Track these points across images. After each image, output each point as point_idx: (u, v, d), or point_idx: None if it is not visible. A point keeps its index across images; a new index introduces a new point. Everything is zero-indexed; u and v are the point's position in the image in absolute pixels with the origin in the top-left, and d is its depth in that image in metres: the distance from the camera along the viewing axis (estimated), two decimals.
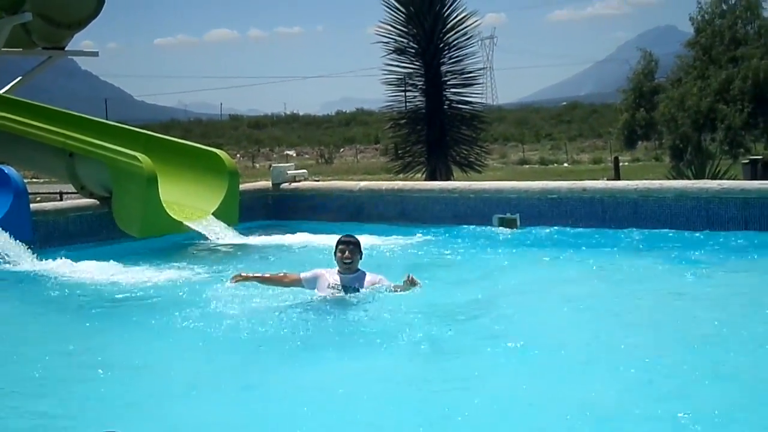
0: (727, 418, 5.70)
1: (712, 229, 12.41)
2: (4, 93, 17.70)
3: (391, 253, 12.12)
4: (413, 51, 24.71)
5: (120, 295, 9.97)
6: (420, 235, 13.46)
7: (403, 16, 24.45)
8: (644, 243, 12.14)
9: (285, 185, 16.53)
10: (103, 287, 10.40)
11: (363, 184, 16.21)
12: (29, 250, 12.38)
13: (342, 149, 73.30)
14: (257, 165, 59.56)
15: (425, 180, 23.04)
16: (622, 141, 35.86)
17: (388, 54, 24.87)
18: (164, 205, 13.68)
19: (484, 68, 29.52)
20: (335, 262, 9.17)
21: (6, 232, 12.46)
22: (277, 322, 8.32)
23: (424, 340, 7.69)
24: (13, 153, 15.66)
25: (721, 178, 19.58)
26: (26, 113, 15.79)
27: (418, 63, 24.72)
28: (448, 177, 23.59)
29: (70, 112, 17.03)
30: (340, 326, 8.15)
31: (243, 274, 9.53)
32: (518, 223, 13.83)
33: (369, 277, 9.08)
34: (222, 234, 13.87)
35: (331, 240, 12.90)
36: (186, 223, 13.84)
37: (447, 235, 13.48)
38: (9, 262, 12.03)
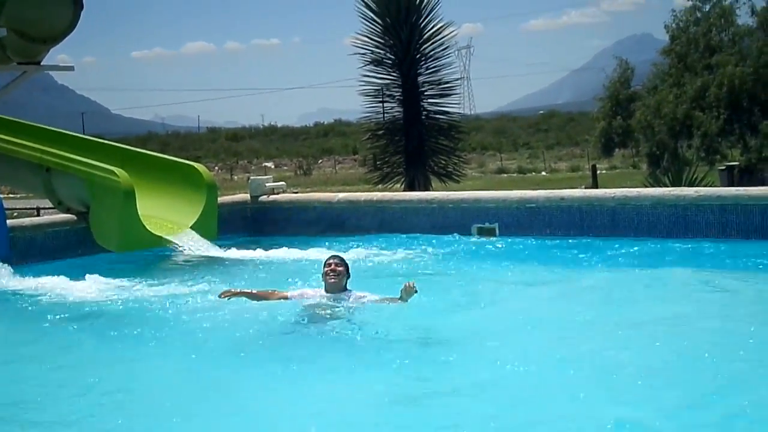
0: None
1: (689, 236, 12.47)
2: None
3: (372, 264, 12.11)
4: (390, 62, 24.77)
5: (98, 311, 9.90)
6: (399, 245, 13.45)
7: (380, 27, 24.50)
8: (622, 251, 12.18)
9: (263, 198, 16.50)
10: (80, 303, 10.32)
11: (342, 195, 16.20)
12: (6, 265, 12.29)
13: (320, 160, 73.30)
14: (235, 177, 59.44)
15: (404, 190, 23.06)
16: (600, 149, 36.04)
17: (366, 65, 24.95)
18: (142, 219, 13.63)
19: (461, 78, 29.69)
20: (322, 281, 9.16)
21: None
22: (259, 338, 8.29)
23: (405, 352, 7.66)
24: None
25: (698, 185, 19.68)
26: (2, 129, 15.71)
27: (395, 74, 24.78)
28: (426, 187, 23.62)
29: (47, 127, 16.97)
30: (321, 342, 8.10)
31: (231, 290, 9.51)
32: (497, 232, 13.86)
33: (355, 295, 9.06)
34: (201, 248, 13.82)
35: (310, 253, 12.99)
36: (164, 237, 13.79)
37: (426, 245, 13.47)
38: None
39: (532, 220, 13.72)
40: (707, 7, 31.23)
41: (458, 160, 25.68)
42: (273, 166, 69.81)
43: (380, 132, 25.52)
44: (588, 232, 13.21)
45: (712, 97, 29.09)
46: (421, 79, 24.74)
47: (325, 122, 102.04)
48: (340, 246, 12.95)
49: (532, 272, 11.47)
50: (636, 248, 12.20)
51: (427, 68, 24.82)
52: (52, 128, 16.92)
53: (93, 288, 11.08)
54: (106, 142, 17.16)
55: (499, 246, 13.24)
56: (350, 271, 9.23)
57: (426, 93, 24.93)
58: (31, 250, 13.50)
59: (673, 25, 31.80)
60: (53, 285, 11.37)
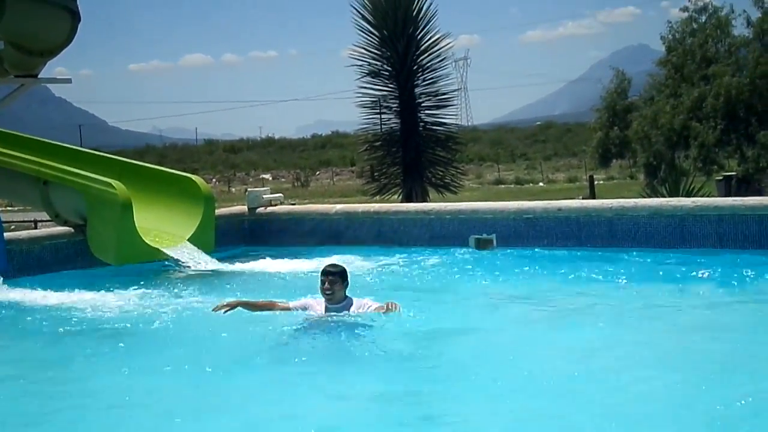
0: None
1: (686, 246, 12.49)
2: None
3: (369, 275, 12.11)
4: (387, 73, 24.78)
5: (96, 323, 9.89)
6: (397, 256, 13.46)
7: (377, 39, 24.51)
8: (620, 261, 12.19)
9: (261, 209, 16.50)
10: (77, 316, 10.30)
11: (339, 207, 16.20)
12: (3, 279, 12.28)
13: (318, 172, 73.36)
14: (233, 189, 59.51)
15: (401, 202, 23.05)
16: (597, 159, 36.05)
17: (363, 77, 24.93)
18: (139, 231, 13.62)
19: (458, 89, 29.64)
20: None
21: None
22: (260, 350, 8.29)
23: (404, 365, 7.68)
24: None
25: (695, 195, 19.69)
26: (0, 142, 15.72)
27: (392, 85, 24.77)
28: (423, 198, 23.61)
29: (44, 139, 16.96)
30: (321, 354, 8.11)
31: (226, 302, 9.34)
32: (494, 243, 13.85)
33: (356, 304, 8.99)
34: (198, 260, 13.80)
35: (307, 264, 12.98)
36: (162, 249, 13.77)
37: (424, 256, 13.47)
38: None
39: (529, 231, 13.73)
40: (703, 19, 31.30)
41: (456, 172, 25.67)
42: (270, 178, 69.85)
43: (377, 143, 25.52)
44: (585, 243, 13.21)
45: (708, 107, 29.12)
46: (418, 90, 24.75)
47: (323, 134, 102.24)
48: (337, 257, 12.96)
49: (530, 283, 11.48)
50: (633, 259, 12.21)
51: (424, 80, 24.82)
52: (50, 141, 16.92)
53: (90, 301, 11.06)
54: (103, 154, 17.16)
55: (497, 257, 13.24)
56: (348, 278, 9.09)
57: (423, 104, 24.93)
58: (29, 263, 13.49)
59: (670, 36, 31.87)
60: (51, 298, 11.36)
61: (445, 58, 25.15)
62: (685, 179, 23.30)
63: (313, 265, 12.74)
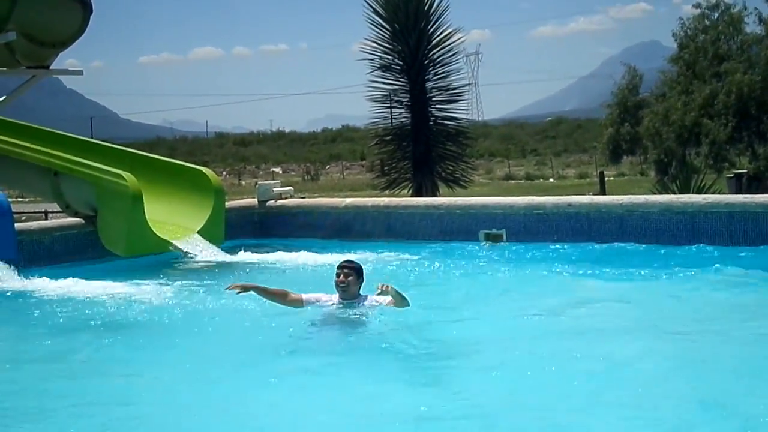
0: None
1: (697, 242, 12.45)
2: None
3: (378, 269, 12.09)
4: (398, 68, 24.74)
5: (105, 315, 9.91)
6: (406, 251, 13.44)
7: (389, 33, 24.48)
8: (630, 257, 12.16)
9: (271, 202, 16.51)
10: (88, 307, 10.33)
11: (349, 200, 16.21)
12: (14, 269, 12.32)
13: (328, 166, 73.31)
14: (243, 182, 59.55)
15: (411, 196, 23.04)
16: (607, 156, 35.99)
17: (374, 71, 24.89)
18: (150, 223, 13.65)
19: (469, 84, 29.53)
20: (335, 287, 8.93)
21: None
22: (270, 345, 8.29)
23: (416, 361, 7.67)
24: None
25: (706, 193, 19.64)
26: (11, 132, 15.74)
27: (403, 79, 24.74)
28: (434, 193, 23.59)
29: (55, 131, 17.00)
30: (333, 351, 8.08)
31: (241, 284, 9.02)
32: (504, 238, 13.84)
33: (370, 301, 8.84)
34: (208, 252, 13.83)
35: (317, 258, 13.00)
36: (171, 241, 13.80)
37: (433, 250, 13.47)
38: None
39: (539, 226, 13.70)
40: (715, 15, 31.20)
41: (466, 166, 25.63)
42: (281, 172, 69.86)
43: (388, 138, 25.49)
44: (595, 239, 13.18)
45: (720, 104, 29.03)
46: (429, 85, 24.71)
47: (333, 128, 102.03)
48: (347, 251, 12.97)
49: (540, 279, 11.46)
50: (643, 255, 12.19)
51: (435, 74, 24.78)
52: (61, 132, 16.95)
53: (100, 292, 11.09)
54: (114, 146, 17.19)
55: (507, 252, 13.23)
56: (364, 276, 8.95)
57: (434, 99, 24.88)
58: (39, 254, 13.53)
59: (682, 33, 31.77)
60: (61, 289, 11.40)
61: (456, 52, 25.11)
62: (696, 176, 23.23)
63: (323, 258, 12.77)
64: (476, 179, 33.29)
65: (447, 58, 24.78)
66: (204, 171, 15.30)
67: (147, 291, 11.07)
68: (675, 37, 31.99)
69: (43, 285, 11.65)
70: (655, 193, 19.78)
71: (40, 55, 16.66)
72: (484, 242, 13.87)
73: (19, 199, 38.05)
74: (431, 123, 24.76)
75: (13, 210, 13.68)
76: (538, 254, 12.89)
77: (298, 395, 6.88)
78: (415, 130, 24.53)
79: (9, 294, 11.50)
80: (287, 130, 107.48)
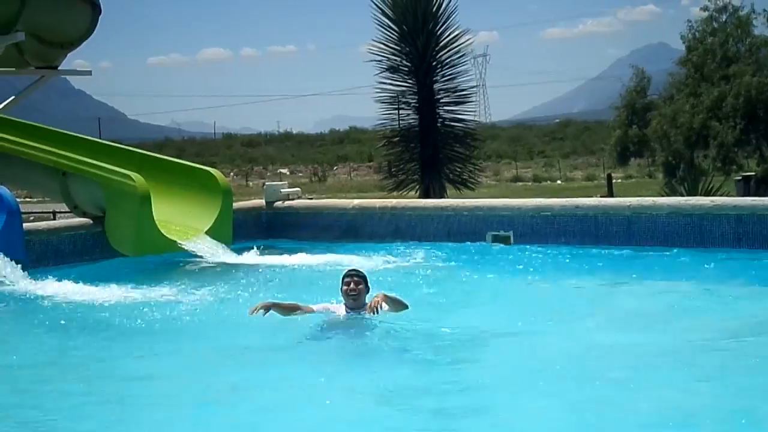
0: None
1: (704, 245, 12.43)
2: None
3: (386, 271, 12.09)
4: (406, 69, 24.73)
5: (113, 316, 9.93)
6: (414, 252, 13.44)
7: (396, 34, 24.48)
8: (636, 260, 12.15)
9: (279, 203, 16.51)
10: (95, 308, 10.35)
11: (356, 202, 16.21)
12: (22, 269, 12.34)
13: (335, 167, 73.28)
14: (251, 183, 59.57)
15: (419, 198, 23.03)
16: (615, 158, 35.97)
17: (381, 72, 24.89)
18: (157, 224, 13.66)
19: (476, 86, 29.57)
20: (341, 296, 8.93)
21: None
22: (279, 352, 8.31)
23: (425, 367, 7.66)
24: (6, 172, 15.62)
25: (714, 195, 19.61)
26: (19, 133, 15.76)
27: (411, 81, 24.73)
28: (441, 194, 23.57)
29: (63, 131, 17.00)
30: (341, 360, 8.10)
31: (264, 303, 8.90)
32: (512, 240, 13.83)
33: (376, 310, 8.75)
34: (215, 253, 13.83)
35: (325, 259, 12.99)
36: (179, 242, 13.81)
37: (441, 252, 13.45)
38: (1, 282, 11.98)
39: (547, 228, 13.69)
40: (724, 18, 31.19)
41: (473, 168, 25.62)
42: (288, 173, 69.85)
43: (396, 139, 25.49)
44: (603, 241, 13.16)
45: (728, 107, 29.01)
46: (437, 86, 24.70)
47: (341, 129, 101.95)
48: (354, 253, 12.97)
49: (547, 281, 11.45)
50: (651, 257, 12.17)
51: (443, 76, 24.77)
52: (69, 132, 16.96)
53: (108, 293, 11.11)
54: (122, 146, 17.19)
55: (514, 254, 13.22)
56: (369, 284, 8.98)
57: (442, 100, 24.88)
58: (47, 254, 13.54)
59: (690, 35, 31.78)
60: (68, 289, 11.41)
61: (464, 54, 25.10)
62: (704, 179, 23.23)
63: (330, 259, 12.78)
64: (484, 181, 33.35)
65: (455, 59, 24.77)
66: (212, 172, 15.31)
67: (154, 291, 11.08)
68: (683, 40, 32.02)
69: (51, 285, 11.66)
70: (663, 196, 19.77)
71: (48, 55, 16.71)
72: (492, 244, 13.85)
73: (28, 199, 38.11)
74: (439, 125, 24.75)
75: (22, 210, 13.70)
76: (545, 256, 12.87)
77: (304, 397, 6.90)
78: (423, 132, 24.52)
79: (17, 294, 11.51)
80: (295, 131, 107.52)
